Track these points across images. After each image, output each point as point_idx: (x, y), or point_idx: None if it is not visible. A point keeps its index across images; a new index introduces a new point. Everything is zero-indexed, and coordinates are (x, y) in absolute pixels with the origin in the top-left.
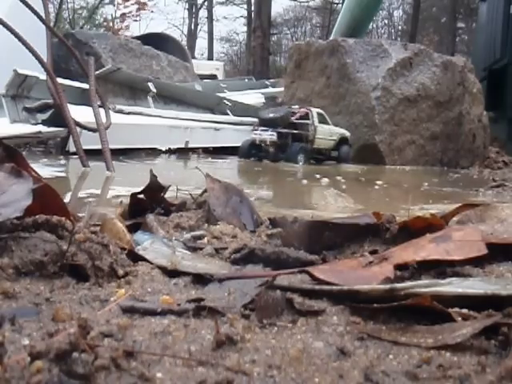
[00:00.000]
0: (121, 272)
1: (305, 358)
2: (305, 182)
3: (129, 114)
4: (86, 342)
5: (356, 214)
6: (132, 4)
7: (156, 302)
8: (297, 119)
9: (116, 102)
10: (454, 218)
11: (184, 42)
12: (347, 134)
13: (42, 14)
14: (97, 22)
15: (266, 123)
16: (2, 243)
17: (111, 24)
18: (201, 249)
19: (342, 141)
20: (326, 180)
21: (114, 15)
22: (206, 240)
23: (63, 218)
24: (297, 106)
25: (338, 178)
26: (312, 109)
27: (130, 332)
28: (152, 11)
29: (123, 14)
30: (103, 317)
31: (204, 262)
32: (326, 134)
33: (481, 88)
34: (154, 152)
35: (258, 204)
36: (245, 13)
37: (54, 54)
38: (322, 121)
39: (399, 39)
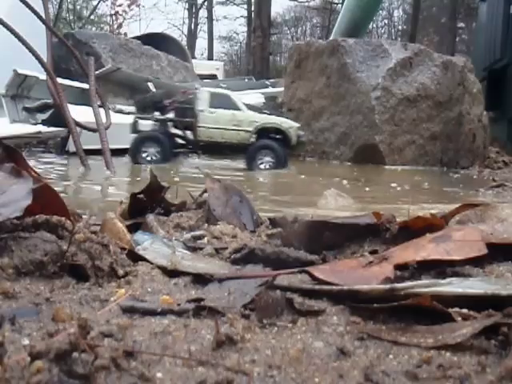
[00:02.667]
0: (121, 272)
1: (305, 357)
2: None
3: (129, 113)
4: (85, 342)
5: (356, 213)
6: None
7: (156, 302)
8: (173, 102)
9: (116, 101)
10: (454, 218)
11: (184, 42)
12: (284, 123)
13: (42, 14)
14: (94, 20)
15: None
16: (1, 243)
17: (109, 22)
18: (201, 249)
19: (266, 132)
20: None
21: (110, 13)
22: (206, 240)
23: (63, 218)
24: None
25: None
26: (204, 89)
27: (130, 332)
28: (143, 6)
29: (116, 13)
30: (103, 317)
31: (204, 262)
32: (225, 122)
33: (481, 88)
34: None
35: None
36: (245, 13)
37: (54, 54)
38: (223, 105)
39: (399, 39)
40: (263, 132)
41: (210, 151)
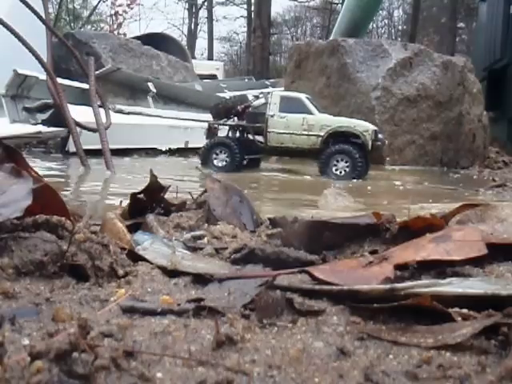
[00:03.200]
0: (121, 272)
1: (305, 358)
2: None
3: (129, 113)
4: (86, 342)
5: (356, 213)
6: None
7: (156, 302)
8: (246, 108)
9: (116, 101)
10: (454, 218)
11: (184, 42)
12: (358, 126)
13: (42, 14)
14: (94, 20)
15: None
16: (1, 243)
17: (108, 22)
18: (201, 249)
19: (339, 136)
20: None
21: (109, 13)
22: (206, 240)
23: (63, 218)
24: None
25: None
26: (276, 92)
27: (130, 332)
28: (142, 5)
29: (116, 13)
30: (103, 317)
31: (204, 262)
32: (296, 126)
33: (481, 88)
34: (154, 152)
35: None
36: (245, 13)
37: (54, 54)
38: (294, 109)
39: (399, 39)
40: (336, 136)
41: (282, 156)
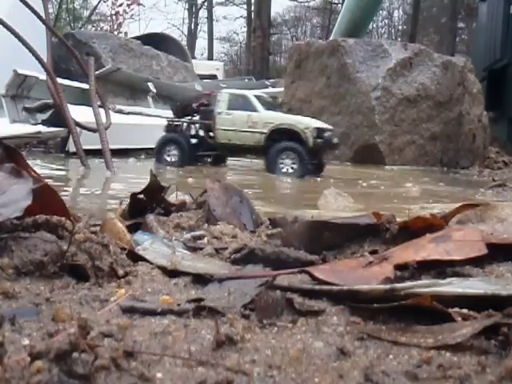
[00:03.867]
0: (121, 272)
1: (305, 358)
2: None
3: (129, 113)
4: (86, 342)
5: (356, 213)
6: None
7: (156, 302)
8: (200, 105)
9: (116, 101)
10: (454, 218)
11: (184, 42)
12: (299, 124)
13: (42, 14)
14: (94, 20)
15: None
16: (1, 243)
17: (109, 22)
18: (201, 249)
19: (281, 133)
20: None
21: (110, 13)
22: (206, 240)
23: (63, 218)
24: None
25: None
26: (225, 90)
27: (130, 332)
28: (143, 6)
29: (117, 13)
30: (103, 317)
31: (204, 261)
32: (241, 123)
33: (481, 88)
34: (153, 152)
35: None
36: (244, 13)
37: (54, 54)
38: (241, 106)
39: (399, 39)
40: (280, 134)
41: (230, 153)
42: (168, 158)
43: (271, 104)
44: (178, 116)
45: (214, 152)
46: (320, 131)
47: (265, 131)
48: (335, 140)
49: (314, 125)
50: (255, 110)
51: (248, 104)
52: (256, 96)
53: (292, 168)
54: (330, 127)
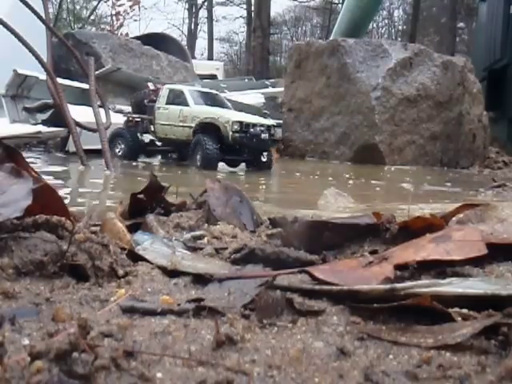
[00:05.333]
0: (121, 272)
1: (305, 358)
2: None
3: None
4: (86, 342)
5: (356, 213)
6: (127, 1)
7: (156, 301)
8: (150, 101)
9: (116, 102)
10: (454, 218)
11: (184, 42)
12: (221, 118)
13: (42, 14)
14: (95, 20)
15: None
16: (1, 243)
17: (109, 22)
18: (201, 249)
19: (205, 128)
20: None
21: (110, 13)
22: (206, 240)
23: (63, 218)
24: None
25: None
26: (167, 86)
27: (130, 332)
28: (144, 7)
29: (118, 13)
30: (103, 317)
31: (204, 262)
32: (174, 118)
33: (481, 88)
34: None
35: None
36: (244, 13)
37: (54, 54)
38: (177, 101)
39: (399, 39)
40: (205, 128)
41: (169, 148)
42: (117, 152)
43: (215, 99)
44: (133, 111)
45: (164, 148)
46: (243, 125)
47: (193, 125)
48: (264, 136)
49: (234, 118)
50: (187, 105)
51: (182, 99)
52: (191, 91)
53: (200, 162)
54: (265, 123)
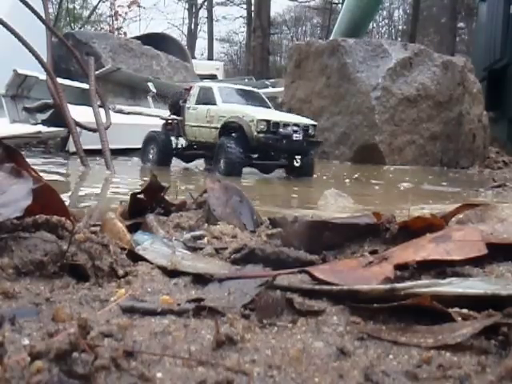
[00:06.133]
0: (121, 272)
1: (305, 357)
2: None
3: (129, 113)
4: (86, 342)
5: (356, 213)
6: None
7: (156, 301)
8: (184, 101)
9: (116, 101)
10: (454, 218)
11: (184, 42)
12: (246, 116)
13: (42, 14)
14: (94, 20)
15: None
16: (2, 243)
17: (108, 22)
18: (201, 249)
19: (231, 128)
20: None
21: (110, 13)
22: (206, 240)
23: (63, 218)
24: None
25: None
26: (198, 83)
27: (130, 332)
28: (144, 8)
29: (116, 13)
30: (103, 317)
31: (204, 261)
32: (202, 118)
33: (481, 88)
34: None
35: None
36: (244, 13)
37: (54, 54)
38: (206, 100)
39: (399, 39)
40: (230, 129)
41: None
42: (150, 156)
43: (249, 97)
44: (170, 113)
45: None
46: (271, 125)
47: (218, 126)
48: (297, 136)
49: (260, 117)
50: (214, 104)
51: (211, 97)
52: (221, 88)
53: (222, 164)
54: (300, 121)
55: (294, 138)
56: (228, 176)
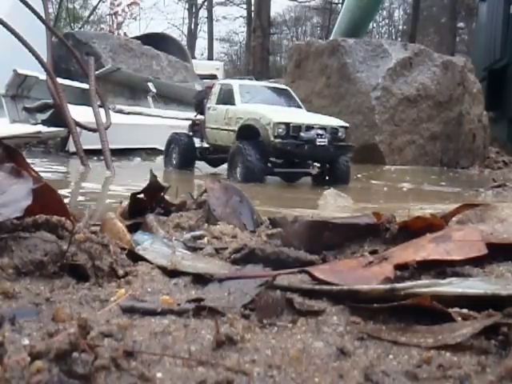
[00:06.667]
0: (121, 272)
1: (305, 357)
2: None
3: (129, 113)
4: (85, 342)
5: (356, 213)
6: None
7: (156, 302)
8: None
9: (116, 101)
10: (454, 218)
11: (184, 42)
12: (263, 118)
13: (42, 14)
14: (94, 20)
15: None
16: (2, 243)
17: (108, 22)
18: (201, 249)
19: (248, 131)
20: None
21: (109, 12)
22: (206, 240)
23: (63, 218)
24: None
25: None
26: (219, 81)
27: (130, 332)
28: (142, 7)
29: (116, 13)
30: (103, 317)
31: (204, 261)
32: (221, 120)
33: (481, 88)
34: (153, 152)
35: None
36: (244, 13)
37: (54, 54)
38: (226, 99)
39: (399, 39)
40: (247, 131)
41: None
42: (172, 159)
43: (276, 95)
44: (197, 113)
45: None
46: (290, 128)
47: (236, 129)
48: (322, 141)
49: (278, 119)
50: (233, 103)
51: (231, 96)
52: (242, 85)
53: (239, 173)
54: (327, 123)
55: (318, 143)
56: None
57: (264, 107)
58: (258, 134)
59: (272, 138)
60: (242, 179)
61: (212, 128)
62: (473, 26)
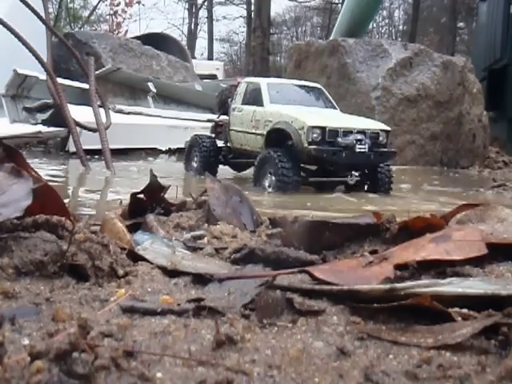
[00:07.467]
0: (121, 272)
1: (305, 357)
2: None
3: (129, 113)
4: (85, 342)
5: (356, 213)
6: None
7: (156, 301)
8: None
9: (116, 101)
10: (454, 218)
11: (184, 42)
12: (296, 122)
13: (42, 14)
14: (94, 20)
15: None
16: (1, 243)
17: (108, 22)
18: (201, 249)
19: (278, 136)
20: None
21: (109, 12)
22: (206, 240)
23: (63, 218)
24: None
25: None
26: (246, 79)
27: (130, 332)
28: (143, 5)
29: (115, 12)
30: (103, 317)
31: (204, 262)
32: (247, 122)
33: (481, 88)
34: (153, 152)
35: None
36: (244, 13)
37: (54, 54)
38: (253, 99)
39: (399, 39)
40: (277, 136)
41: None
42: (193, 164)
43: (310, 96)
44: (220, 114)
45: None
46: (326, 133)
47: (264, 133)
48: (362, 147)
49: (312, 122)
50: (261, 104)
51: (258, 96)
52: (270, 84)
53: (276, 184)
54: (367, 127)
55: (358, 150)
56: (283, 192)
57: (296, 109)
58: (289, 138)
59: (306, 144)
60: (275, 190)
61: (237, 131)
62: (473, 26)
